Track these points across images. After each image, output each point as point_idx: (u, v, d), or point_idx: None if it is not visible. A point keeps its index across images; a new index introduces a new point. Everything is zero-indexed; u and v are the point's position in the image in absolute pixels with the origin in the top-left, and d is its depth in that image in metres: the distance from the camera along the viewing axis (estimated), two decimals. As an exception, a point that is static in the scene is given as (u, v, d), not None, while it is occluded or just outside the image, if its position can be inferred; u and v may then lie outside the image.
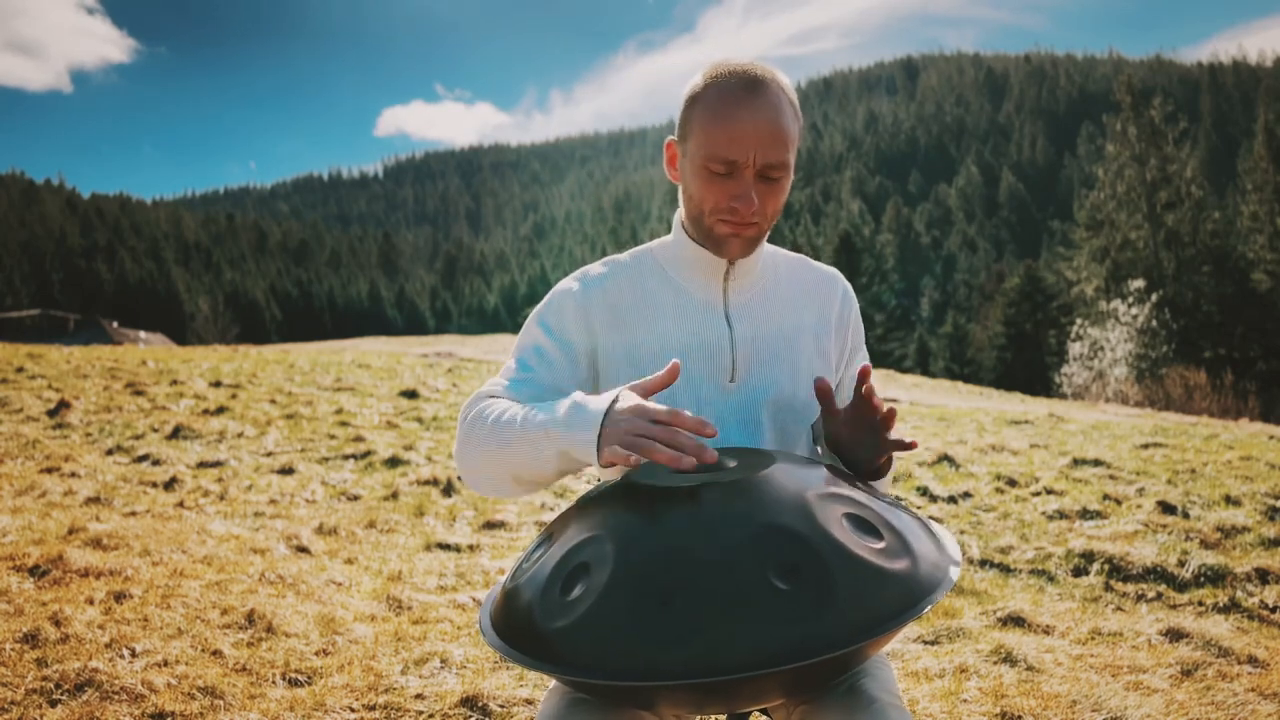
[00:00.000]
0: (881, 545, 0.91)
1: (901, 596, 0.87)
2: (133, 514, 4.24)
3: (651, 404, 1.00)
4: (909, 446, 1.11)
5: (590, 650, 0.85)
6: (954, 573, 0.95)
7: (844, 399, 1.38)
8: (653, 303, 1.28)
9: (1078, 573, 3.80)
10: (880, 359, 45.31)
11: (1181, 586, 3.61)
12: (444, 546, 4.02)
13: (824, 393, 1.16)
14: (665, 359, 1.24)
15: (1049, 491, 5.05)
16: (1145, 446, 6.63)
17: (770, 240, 1.40)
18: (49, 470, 5.09)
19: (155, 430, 6.40)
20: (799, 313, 1.32)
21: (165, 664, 2.46)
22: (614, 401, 1.02)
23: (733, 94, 1.15)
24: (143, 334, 53.25)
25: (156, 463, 5.50)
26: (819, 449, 1.36)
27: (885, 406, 1.12)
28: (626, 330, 1.27)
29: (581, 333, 1.26)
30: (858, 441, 1.17)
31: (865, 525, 0.94)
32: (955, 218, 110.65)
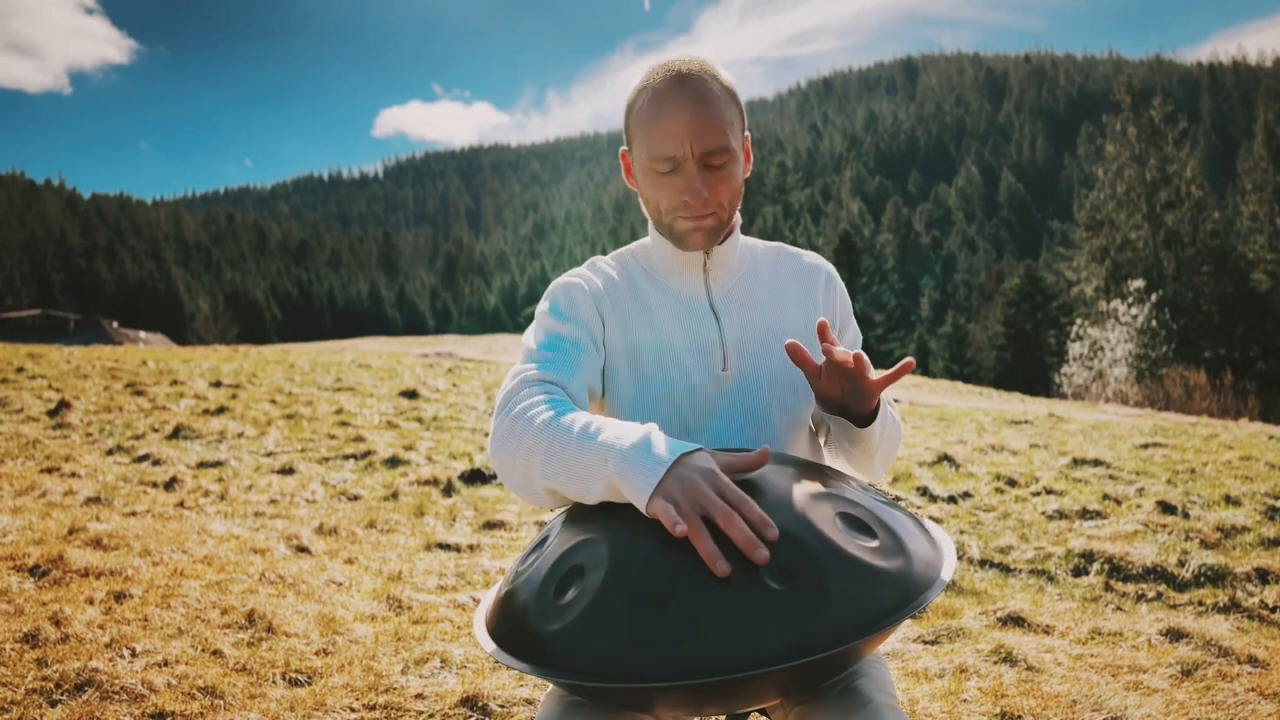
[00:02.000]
0: (875, 544, 0.91)
1: (896, 595, 0.87)
2: (133, 514, 4.24)
3: (725, 479, 0.91)
4: (901, 370, 1.05)
5: (585, 653, 0.85)
6: (948, 571, 0.95)
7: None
8: (642, 301, 1.30)
9: (1078, 573, 3.80)
10: (880, 359, 45.28)
11: (1181, 586, 3.61)
12: (444, 546, 4.02)
13: (795, 352, 1.12)
14: (659, 355, 1.26)
15: (1049, 491, 5.05)
16: (1145, 446, 6.63)
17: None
18: (49, 470, 5.09)
19: (155, 430, 6.40)
20: (784, 296, 1.33)
21: (165, 664, 2.46)
22: (689, 454, 0.94)
23: (660, 92, 1.17)
24: (143, 334, 53.26)
25: (157, 463, 5.50)
26: (821, 439, 1.37)
27: (850, 355, 1.08)
28: (625, 326, 1.28)
29: (595, 320, 1.27)
30: (845, 393, 1.16)
31: (859, 524, 0.94)
32: (955, 218, 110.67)
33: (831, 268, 1.40)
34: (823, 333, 1.10)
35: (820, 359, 1.33)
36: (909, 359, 1.07)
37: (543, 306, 1.29)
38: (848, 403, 1.17)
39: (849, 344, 1.39)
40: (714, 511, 0.87)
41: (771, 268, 1.36)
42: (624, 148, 1.28)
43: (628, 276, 1.32)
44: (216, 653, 2.57)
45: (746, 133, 1.26)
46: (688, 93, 1.16)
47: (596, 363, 1.25)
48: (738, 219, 1.32)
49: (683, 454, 0.93)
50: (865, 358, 1.10)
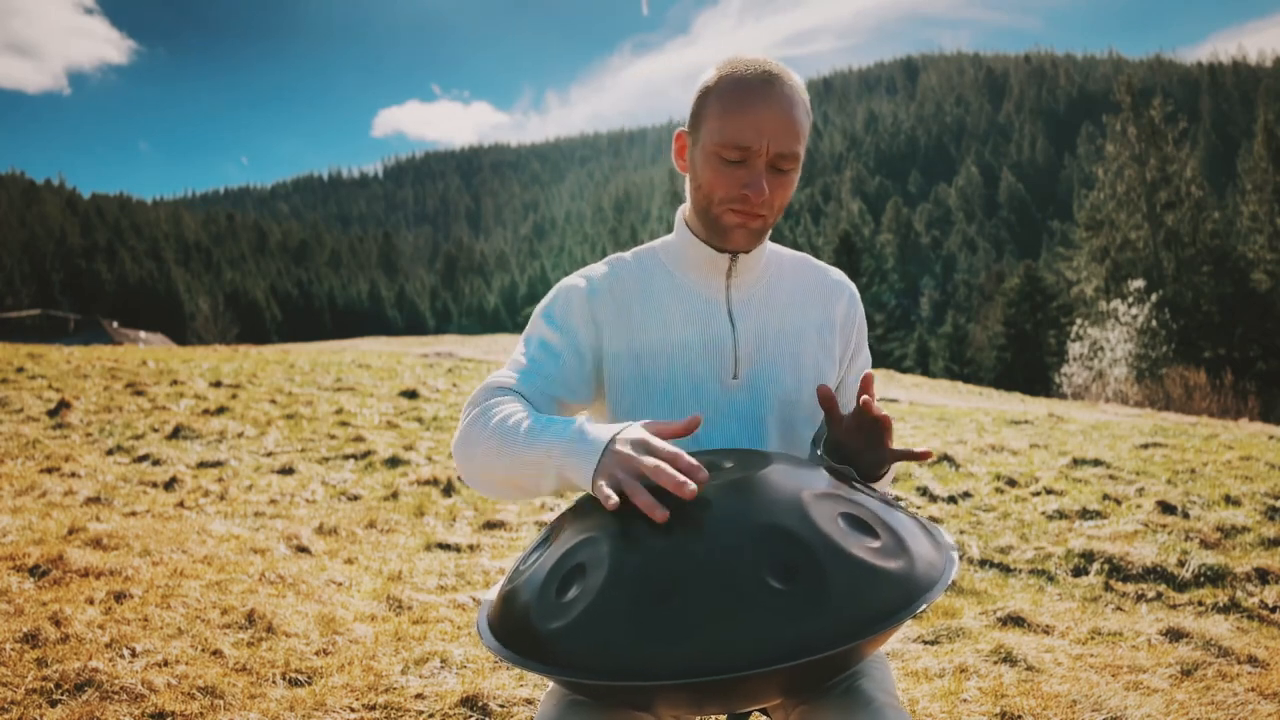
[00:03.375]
0: (878, 544, 0.91)
1: (898, 595, 0.87)
2: (133, 514, 4.24)
3: (657, 440, 0.98)
4: (919, 456, 1.10)
5: (586, 651, 0.85)
6: (951, 572, 0.95)
7: (845, 400, 1.38)
8: (656, 300, 1.28)
9: (1078, 573, 3.80)
10: (880, 359, 45.31)
11: (1181, 586, 3.61)
12: (444, 546, 4.02)
13: (826, 399, 1.16)
14: (669, 356, 1.25)
15: (1049, 491, 5.05)
16: (1145, 446, 6.63)
17: (770, 240, 1.40)
18: (49, 470, 5.09)
19: (155, 430, 6.40)
20: (803, 311, 1.33)
21: (165, 664, 2.46)
22: (619, 432, 1.01)
23: (749, 84, 1.16)
24: (143, 334, 53.26)
25: (156, 463, 5.50)
26: (818, 452, 1.36)
27: (881, 412, 1.12)
28: (631, 328, 1.27)
29: (588, 328, 1.27)
30: (861, 448, 1.18)
31: (861, 524, 0.94)
32: (955, 218, 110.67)
33: (855, 290, 1.40)
34: (866, 386, 1.13)
35: (820, 355, 1.33)
36: (928, 450, 1.11)
37: (540, 306, 1.30)
38: (861, 459, 1.18)
39: (859, 368, 1.39)
40: (645, 469, 0.94)
41: (794, 278, 1.35)
42: (682, 128, 1.26)
43: (646, 273, 1.31)
44: (216, 653, 2.57)
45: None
46: (776, 92, 1.16)
47: (579, 370, 1.25)
48: None
49: (615, 434, 1.00)
50: (890, 419, 1.14)
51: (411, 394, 8.41)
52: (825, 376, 1.32)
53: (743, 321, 1.28)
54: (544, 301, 1.30)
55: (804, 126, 1.18)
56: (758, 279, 1.31)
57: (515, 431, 1.08)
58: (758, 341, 1.28)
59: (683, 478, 0.92)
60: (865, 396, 1.12)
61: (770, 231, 1.28)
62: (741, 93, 1.16)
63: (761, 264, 1.31)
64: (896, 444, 1.26)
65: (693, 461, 0.94)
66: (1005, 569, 3.89)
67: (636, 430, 1.00)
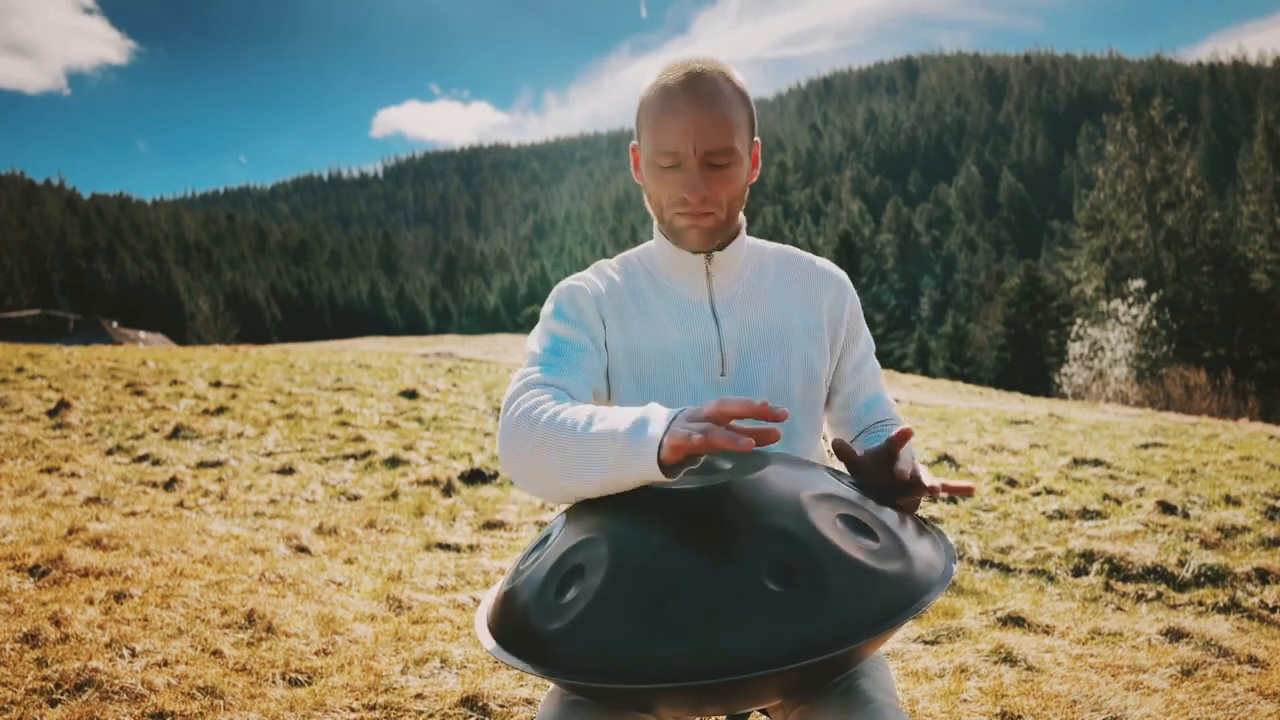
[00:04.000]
0: (876, 546, 0.91)
1: (897, 597, 0.87)
2: (133, 514, 4.24)
3: (704, 409, 0.93)
4: (959, 491, 1.04)
5: (585, 653, 0.85)
6: (950, 573, 0.95)
7: (842, 390, 1.38)
8: (643, 303, 1.30)
9: (1078, 573, 3.80)
10: (880, 359, 44.73)
11: (1181, 586, 3.61)
12: (444, 546, 4.02)
13: (842, 451, 1.11)
14: (658, 358, 1.27)
15: (1049, 491, 5.05)
16: (1145, 446, 6.63)
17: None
18: (49, 470, 5.09)
19: (155, 430, 6.40)
20: (788, 305, 1.33)
21: (165, 664, 2.46)
22: (675, 419, 0.96)
23: (671, 89, 1.18)
24: (143, 334, 53.27)
25: (156, 463, 5.50)
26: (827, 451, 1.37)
27: (909, 472, 1.05)
28: (626, 329, 1.29)
29: (597, 323, 1.28)
30: (881, 493, 1.10)
31: (860, 526, 0.94)
32: (955, 218, 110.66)
33: (845, 277, 1.39)
34: (904, 438, 1.06)
35: (810, 352, 1.31)
36: (970, 486, 1.05)
37: (546, 309, 1.30)
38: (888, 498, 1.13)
39: (859, 356, 1.37)
40: (711, 415, 0.90)
41: (777, 272, 1.36)
42: (634, 142, 1.29)
43: (631, 279, 1.33)
44: (216, 653, 2.57)
45: (756, 138, 1.27)
46: (698, 91, 1.17)
47: (599, 364, 1.26)
48: (742, 221, 1.32)
49: (670, 421, 0.94)
50: (920, 476, 1.06)
51: (411, 394, 8.41)
52: (815, 368, 1.32)
53: (727, 319, 1.29)
54: (549, 303, 1.30)
55: (735, 120, 1.19)
56: (739, 276, 1.32)
57: (571, 425, 1.02)
58: (743, 338, 1.29)
59: (738, 436, 0.87)
60: (899, 466, 1.05)
61: (736, 225, 1.28)
62: (665, 99, 1.18)
63: (741, 261, 1.32)
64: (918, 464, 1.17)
65: (741, 400, 0.91)
66: (1005, 569, 3.89)
67: (689, 410, 0.96)
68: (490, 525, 4.41)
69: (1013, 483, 5.27)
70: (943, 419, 8.92)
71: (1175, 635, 2.99)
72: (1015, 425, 8.33)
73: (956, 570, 3.65)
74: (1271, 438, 8.16)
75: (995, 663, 2.73)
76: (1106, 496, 4.91)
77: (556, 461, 1.02)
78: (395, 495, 4.95)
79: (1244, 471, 5.52)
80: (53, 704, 2.20)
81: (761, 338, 1.30)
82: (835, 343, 1.36)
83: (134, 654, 2.50)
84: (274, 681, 2.43)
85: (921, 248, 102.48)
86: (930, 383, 21.48)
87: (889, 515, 0.99)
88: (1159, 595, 3.53)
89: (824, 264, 1.39)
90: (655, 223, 1.32)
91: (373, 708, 2.32)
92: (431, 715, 2.30)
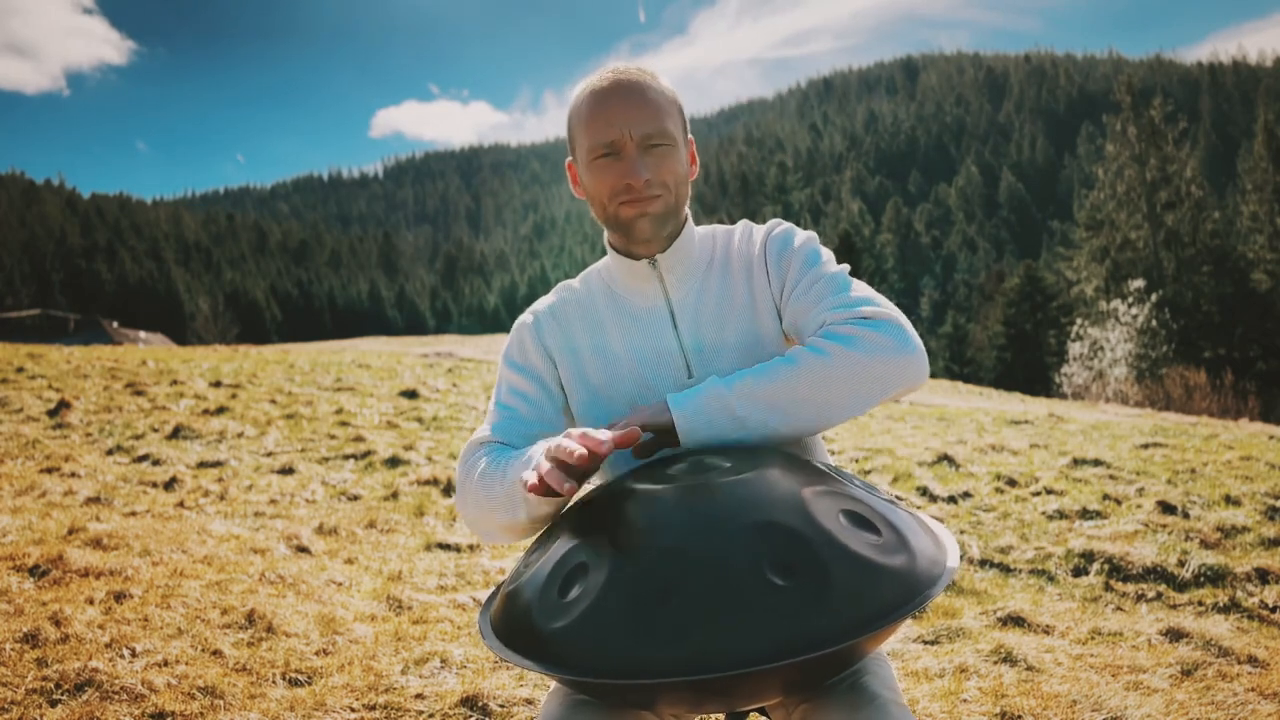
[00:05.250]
0: (879, 541, 0.91)
1: (899, 592, 0.87)
2: (133, 514, 4.24)
3: (576, 431, 1.05)
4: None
5: (588, 650, 0.85)
6: (952, 568, 0.94)
7: (802, 325, 1.23)
8: (599, 322, 1.31)
9: (1078, 573, 3.80)
10: (880, 359, 45.12)
11: (1181, 586, 3.61)
12: (444, 546, 4.02)
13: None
14: (618, 375, 1.28)
15: (1049, 491, 5.05)
16: (1145, 446, 6.63)
17: None
18: (49, 470, 5.09)
19: (155, 430, 6.40)
20: (737, 289, 1.28)
21: (165, 664, 2.46)
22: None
23: (597, 89, 1.21)
24: (143, 334, 53.26)
25: (156, 463, 5.50)
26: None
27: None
28: (579, 353, 1.30)
29: (545, 362, 1.30)
30: None
31: (862, 521, 0.94)
32: (955, 218, 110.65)
33: (776, 224, 1.31)
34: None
35: (770, 324, 1.26)
36: None
37: (504, 349, 1.34)
38: None
39: (819, 292, 1.21)
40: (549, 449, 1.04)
41: (724, 257, 1.31)
42: (569, 159, 1.30)
43: (589, 297, 1.33)
44: (216, 653, 2.57)
45: (690, 137, 1.28)
46: (623, 87, 1.20)
47: (551, 404, 1.29)
48: (688, 215, 1.30)
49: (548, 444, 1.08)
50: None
51: (411, 394, 8.41)
52: (782, 345, 1.26)
53: (684, 321, 1.28)
54: (507, 342, 1.35)
55: (663, 107, 1.21)
56: (690, 273, 1.29)
57: (494, 475, 1.15)
58: (703, 336, 1.27)
59: (580, 445, 0.99)
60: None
61: (680, 217, 1.26)
62: (592, 98, 1.21)
63: (693, 257, 1.29)
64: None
65: (598, 435, 1.01)
66: (1005, 569, 3.89)
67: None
68: (490, 525, 4.41)
69: (1013, 483, 5.27)
70: (943, 419, 8.92)
71: (1175, 635, 2.99)
72: (1015, 425, 8.33)
73: (959, 565, 3.65)
74: (1271, 438, 8.16)
75: (995, 663, 2.73)
76: (1106, 496, 4.91)
77: (489, 509, 1.15)
78: (395, 495, 4.95)
79: (1244, 471, 5.52)
80: (53, 704, 2.20)
81: (722, 334, 1.26)
82: (783, 287, 1.26)
83: (134, 654, 2.50)
84: (274, 681, 2.43)
85: (921, 248, 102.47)
86: (930, 382, 21.47)
87: (891, 510, 0.99)
88: (1159, 595, 3.53)
89: (758, 226, 1.33)
90: (605, 234, 1.30)
91: (373, 708, 2.32)
92: (431, 715, 2.30)
